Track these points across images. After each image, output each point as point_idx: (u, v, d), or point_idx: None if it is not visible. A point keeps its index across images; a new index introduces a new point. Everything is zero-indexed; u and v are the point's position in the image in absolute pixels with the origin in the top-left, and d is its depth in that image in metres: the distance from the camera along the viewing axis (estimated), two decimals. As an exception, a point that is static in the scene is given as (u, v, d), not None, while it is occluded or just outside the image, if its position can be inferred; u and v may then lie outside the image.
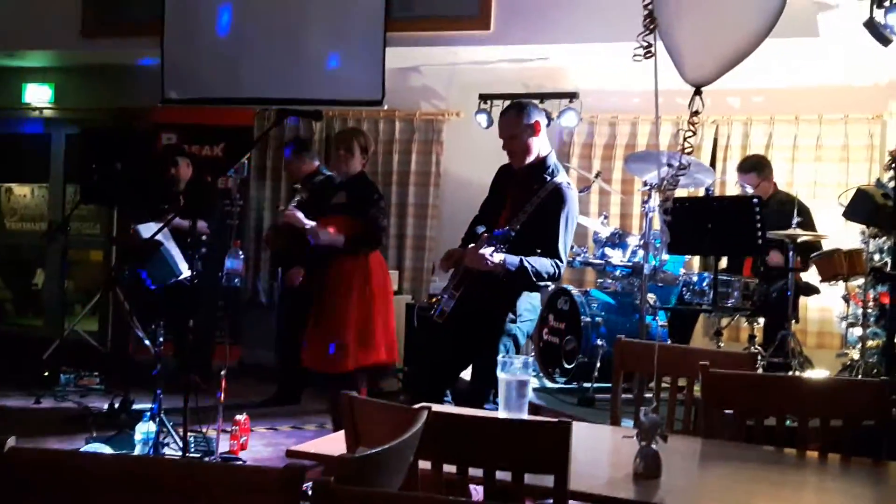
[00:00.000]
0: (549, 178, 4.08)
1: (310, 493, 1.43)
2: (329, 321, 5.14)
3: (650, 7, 2.64)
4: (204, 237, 6.08)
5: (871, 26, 4.98)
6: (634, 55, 2.72)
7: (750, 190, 5.82)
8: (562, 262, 4.02)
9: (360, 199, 5.24)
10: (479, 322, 4.07)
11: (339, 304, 5.11)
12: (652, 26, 2.73)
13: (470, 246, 4.06)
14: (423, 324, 6.80)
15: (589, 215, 7.02)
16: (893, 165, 5.43)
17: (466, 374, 4.36)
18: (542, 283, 4.16)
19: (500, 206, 4.22)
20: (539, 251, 3.98)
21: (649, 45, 2.73)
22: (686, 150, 2.43)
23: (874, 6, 5.03)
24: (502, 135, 4.22)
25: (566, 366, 5.66)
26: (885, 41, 5.07)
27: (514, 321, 4.03)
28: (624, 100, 7.29)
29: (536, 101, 7.10)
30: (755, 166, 6.07)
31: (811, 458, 2.67)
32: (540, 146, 4.17)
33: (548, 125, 7.03)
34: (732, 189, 6.65)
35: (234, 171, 4.72)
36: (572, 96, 7.14)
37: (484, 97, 7.24)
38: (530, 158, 4.16)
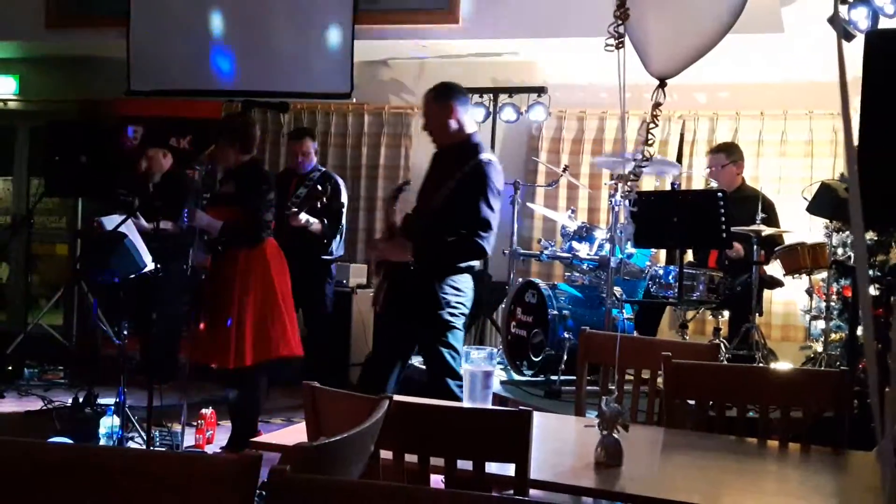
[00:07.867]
0: (471, 156, 4.09)
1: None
2: (221, 315, 4.81)
3: (623, -3, 2.66)
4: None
5: (835, 22, 5.02)
6: (606, 45, 2.74)
7: (715, 184, 5.87)
8: (484, 235, 3.98)
9: (247, 189, 4.88)
10: (409, 312, 4.10)
11: (231, 297, 4.81)
12: (625, 17, 2.74)
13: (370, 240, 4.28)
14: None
15: (557, 209, 7.05)
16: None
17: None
18: (468, 262, 4.13)
19: (428, 187, 4.25)
20: (463, 229, 3.98)
21: (621, 36, 2.75)
22: (649, 142, 2.45)
23: (838, 2, 5.08)
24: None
25: (533, 358, 5.69)
26: (848, 37, 5.12)
27: (441, 308, 4.02)
28: (592, 95, 7.32)
29: (505, 95, 7.24)
30: (725, 148, 6.12)
31: (772, 447, 2.70)
32: (459, 128, 4.17)
33: (516, 119, 7.17)
34: (698, 182, 6.71)
35: (199, 164, 4.65)
36: (541, 91, 7.15)
37: (453, 91, 7.22)
38: (448, 139, 4.17)
